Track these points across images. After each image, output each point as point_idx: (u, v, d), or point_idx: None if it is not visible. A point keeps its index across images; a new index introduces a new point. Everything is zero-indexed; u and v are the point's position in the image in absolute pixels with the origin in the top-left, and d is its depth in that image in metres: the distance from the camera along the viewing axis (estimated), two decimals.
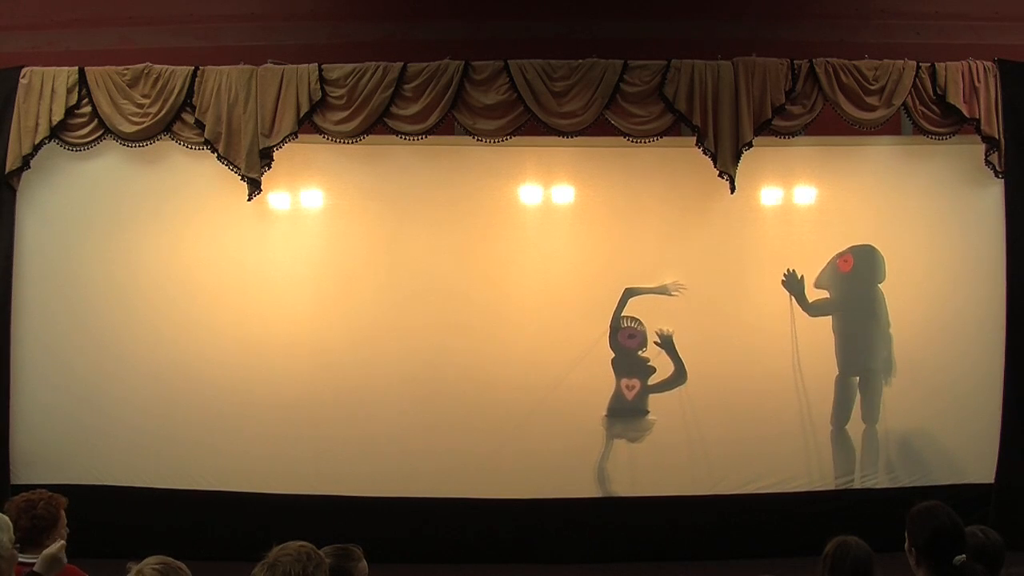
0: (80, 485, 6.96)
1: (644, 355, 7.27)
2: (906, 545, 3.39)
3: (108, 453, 7.15)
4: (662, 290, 7.25)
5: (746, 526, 7.07)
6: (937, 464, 7.24)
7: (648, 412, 7.25)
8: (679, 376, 7.24)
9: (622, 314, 7.26)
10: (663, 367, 7.26)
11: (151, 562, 2.97)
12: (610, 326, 7.25)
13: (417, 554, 6.97)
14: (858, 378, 7.32)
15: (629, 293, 7.26)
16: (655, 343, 7.25)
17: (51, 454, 7.12)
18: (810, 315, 7.28)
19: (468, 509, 7.10)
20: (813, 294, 7.32)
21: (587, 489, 7.19)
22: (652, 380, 7.26)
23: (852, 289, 7.37)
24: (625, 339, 7.28)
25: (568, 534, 7.15)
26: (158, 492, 7.11)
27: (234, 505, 7.05)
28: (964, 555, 3.25)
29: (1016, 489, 6.96)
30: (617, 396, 7.26)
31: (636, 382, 7.27)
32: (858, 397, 7.31)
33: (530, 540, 7.11)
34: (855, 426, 7.28)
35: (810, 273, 7.32)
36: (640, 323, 7.26)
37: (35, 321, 7.22)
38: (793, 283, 7.29)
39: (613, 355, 7.26)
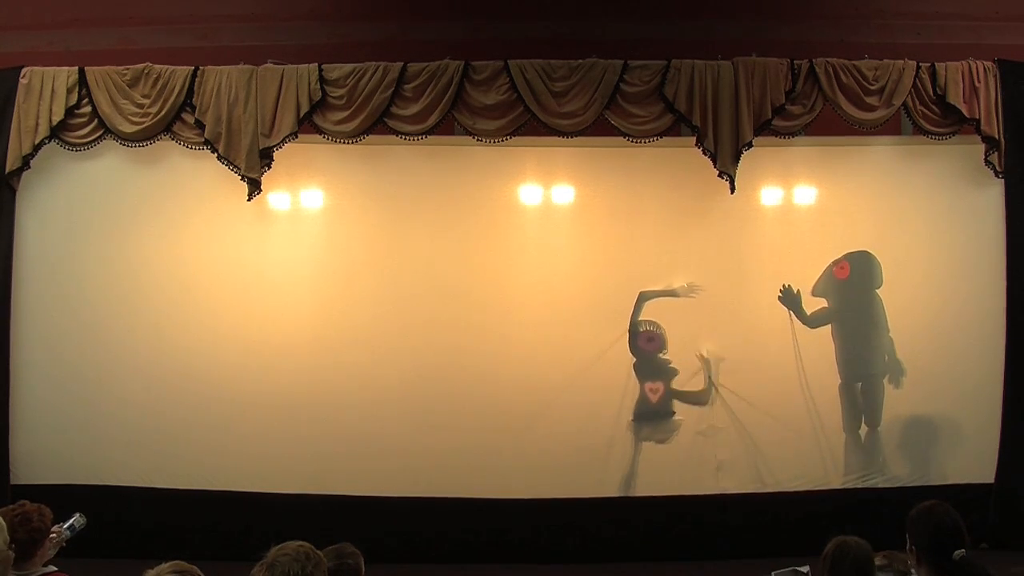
0: (80, 485, 6.99)
1: (665, 357, 7.26)
2: (908, 547, 3.39)
3: (108, 453, 7.14)
4: (672, 292, 7.23)
5: (746, 526, 7.07)
6: (937, 464, 7.23)
7: (674, 413, 7.23)
8: (704, 396, 7.21)
9: (639, 318, 7.25)
10: (685, 370, 7.23)
11: (166, 568, 2.97)
12: (628, 331, 7.23)
13: (418, 554, 6.97)
14: (860, 384, 7.30)
15: (644, 297, 7.24)
16: (696, 356, 7.22)
17: (51, 454, 7.12)
18: (811, 327, 7.25)
19: (470, 509, 7.08)
20: (811, 303, 7.29)
21: (589, 488, 7.17)
22: (678, 385, 7.23)
23: (850, 296, 7.34)
24: (645, 343, 7.26)
25: (570, 534, 7.13)
26: (158, 492, 7.11)
27: (234, 505, 7.05)
28: (963, 550, 3.27)
29: (1016, 489, 6.97)
30: (642, 400, 7.24)
31: (660, 385, 7.25)
32: (861, 402, 7.29)
33: (533, 540, 7.10)
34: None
35: (809, 276, 7.30)
36: (658, 326, 7.24)
37: (35, 321, 7.22)
38: (790, 298, 7.26)
39: (635, 360, 7.24)
